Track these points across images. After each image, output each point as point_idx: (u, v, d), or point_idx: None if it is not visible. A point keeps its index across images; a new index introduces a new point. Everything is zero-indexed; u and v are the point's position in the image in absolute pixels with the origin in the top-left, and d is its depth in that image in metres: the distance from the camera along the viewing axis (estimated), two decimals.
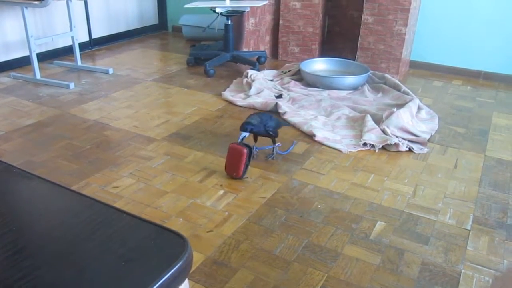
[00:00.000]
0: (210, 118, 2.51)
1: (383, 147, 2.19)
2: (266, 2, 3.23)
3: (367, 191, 1.85)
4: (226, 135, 2.31)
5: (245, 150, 1.88)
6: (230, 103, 2.72)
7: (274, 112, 2.55)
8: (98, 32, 3.92)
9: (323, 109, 2.59)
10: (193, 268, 1.40)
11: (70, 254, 0.71)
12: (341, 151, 2.16)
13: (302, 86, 2.94)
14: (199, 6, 3.03)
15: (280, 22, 3.51)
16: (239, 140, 1.91)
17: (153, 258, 0.70)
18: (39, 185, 0.91)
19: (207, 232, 1.57)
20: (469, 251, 1.51)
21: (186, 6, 3.07)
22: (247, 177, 1.91)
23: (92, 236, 0.75)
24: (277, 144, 2.11)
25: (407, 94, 2.73)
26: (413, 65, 3.48)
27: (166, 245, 0.73)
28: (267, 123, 1.97)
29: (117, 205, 1.70)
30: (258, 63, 3.27)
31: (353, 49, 3.55)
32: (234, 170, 1.88)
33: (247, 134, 1.92)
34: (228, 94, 2.81)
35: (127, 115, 2.54)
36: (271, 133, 1.99)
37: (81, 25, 3.74)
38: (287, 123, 2.18)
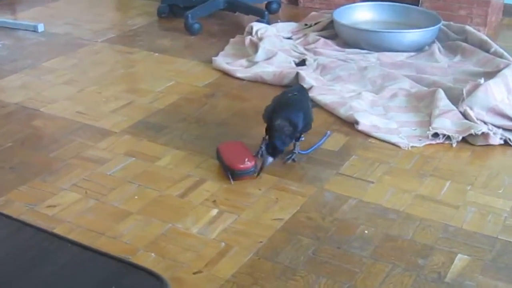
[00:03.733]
0: (196, 98, 2.52)
1: (463, 139, 2.18)
2: None
3: (440, 207, 1.84)
4: (220, 124, 2.31)
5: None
6: (226, 74, 2.72)
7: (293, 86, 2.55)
8: None
9: (370, 81, 2.58)
10: None
11: None
12: (399, 147, 2.16)
13: (336, 47, 2.93)
14: None
15: None
16: (265, 165, 1.96)
17: None
18: None
19: (194, 273, 1.57)
20: None
21: None
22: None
23: (25, 275, 0.75)
24: (300, 138, 2.10)
25: (501, 56, 2.71)
26: (510, 11, 3.46)
27: None
28: (299, 127, 1.99)
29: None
30: (268, 13, 3.26)
31: None
32: (244, 156, 1.97)
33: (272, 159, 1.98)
34: (222, 60, 2.81)
35: (67, 95, 2.54)
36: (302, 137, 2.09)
37: None
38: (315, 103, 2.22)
